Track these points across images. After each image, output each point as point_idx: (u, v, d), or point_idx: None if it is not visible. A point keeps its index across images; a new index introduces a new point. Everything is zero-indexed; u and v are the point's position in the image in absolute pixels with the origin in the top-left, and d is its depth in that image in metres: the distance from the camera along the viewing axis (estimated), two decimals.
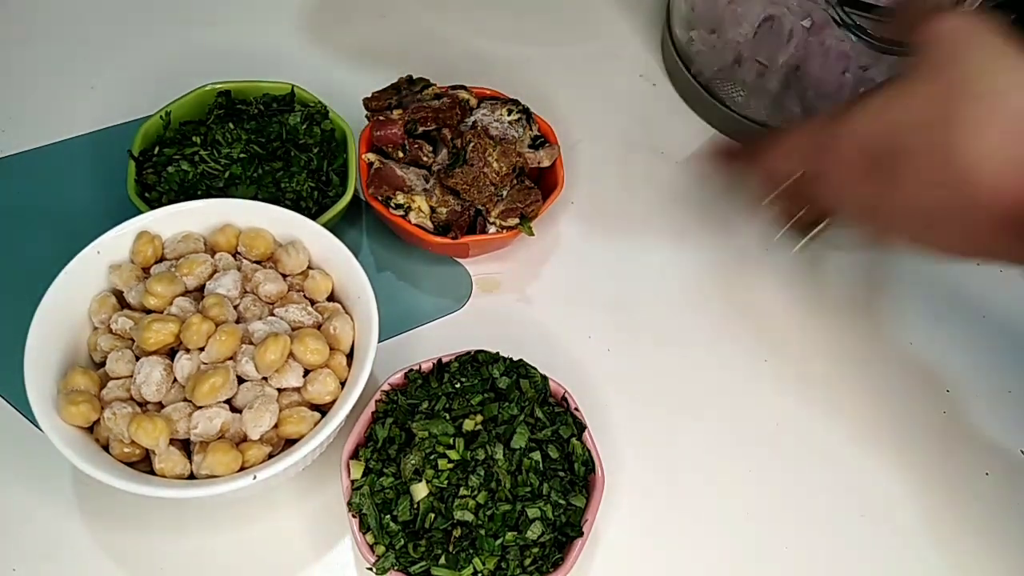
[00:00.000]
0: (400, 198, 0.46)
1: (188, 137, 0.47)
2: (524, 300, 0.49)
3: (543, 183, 0.50)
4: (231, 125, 0.48)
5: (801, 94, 0.53)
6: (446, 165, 0.47)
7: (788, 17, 0.49)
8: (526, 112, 0.49)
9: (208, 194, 0.46)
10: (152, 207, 0.44)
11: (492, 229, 0.47)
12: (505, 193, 0.47)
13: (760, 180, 0.44)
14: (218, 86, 0.49)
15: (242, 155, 0.47)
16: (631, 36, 0.62)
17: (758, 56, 0.52)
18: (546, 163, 0.48)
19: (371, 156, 0.48)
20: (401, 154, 0.48)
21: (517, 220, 0.47)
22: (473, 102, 0.50)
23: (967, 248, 0.35)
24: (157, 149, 0.47)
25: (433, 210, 0.46)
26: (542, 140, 0.49)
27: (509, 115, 0.49)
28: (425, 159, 0.47)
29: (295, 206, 0.46)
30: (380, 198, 0.47)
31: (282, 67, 0.53)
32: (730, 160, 0.47)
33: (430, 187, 0.47)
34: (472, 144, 0.46)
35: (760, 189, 0.45)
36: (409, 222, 0.46)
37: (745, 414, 0.46)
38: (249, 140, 0.47)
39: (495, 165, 0.46)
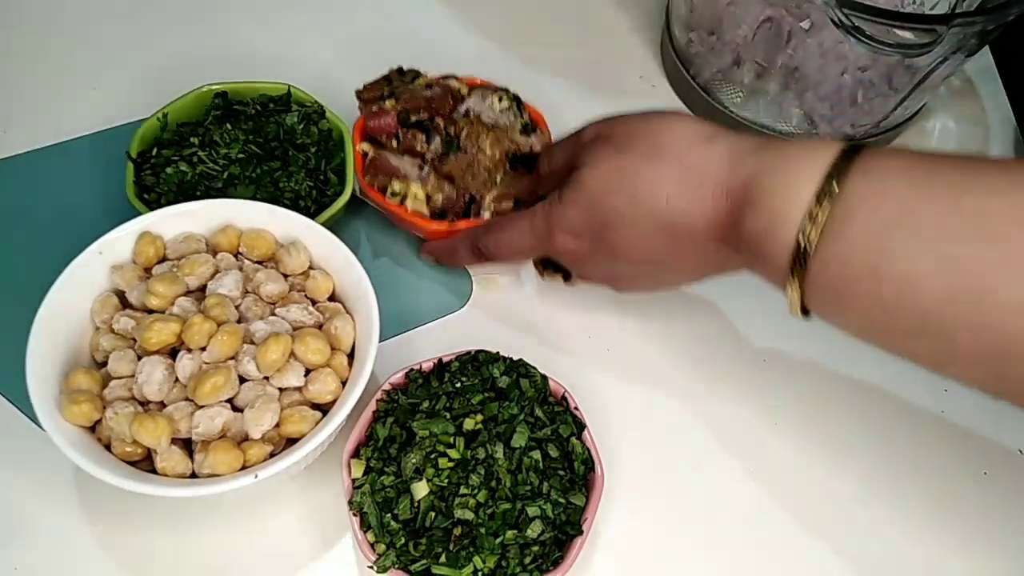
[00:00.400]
0: (396, 186, 0.47)
1: (186, 138, 0.48)
2: (524, 300, 0.49)
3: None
4: (229, 126, 0.48)
5: (800, 95, 0.53)
6: (440, 153, 0.47)
7: (787, 19, 0.49)
8: (516, 100, 0.50)
9: (207, 195, 0.46)
10: (151, 208, 0.44)
11: (486, 214, 0.47)
12: (499, 179, 0.47)
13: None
14: (215, 87, 0.49)
15: (240, 155, 0.47)
16: (630, 38, 0.63)
17: (757, 58, 0.52)
18: (537, 148, 0.49)
19: (365, 146, 0.48)
20: (395, 143, 0.48)
21: (511, 204, 0.47)
22: (464, 91, 0.50)
23: (701, 271, 0.42)
24: (155, 151, 0.47)
25: (428, 197, 0.47)
26: (533, 126, 0.50)
27: (500, 102, 0.49)
28: (419, 148, 0.48)
29: (294, 205, 0.46)
30: (376, 187, 0.47)
31: (281, 67, 0.53)
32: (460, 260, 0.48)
33: (424, 175, 0.47)
34: (465, 132, 0.47)
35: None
36: (405, 209, 0.47)
37: (744, 414, 0.46)
38: (247, 140, 0.47)
39: (488, 151, 0.47)
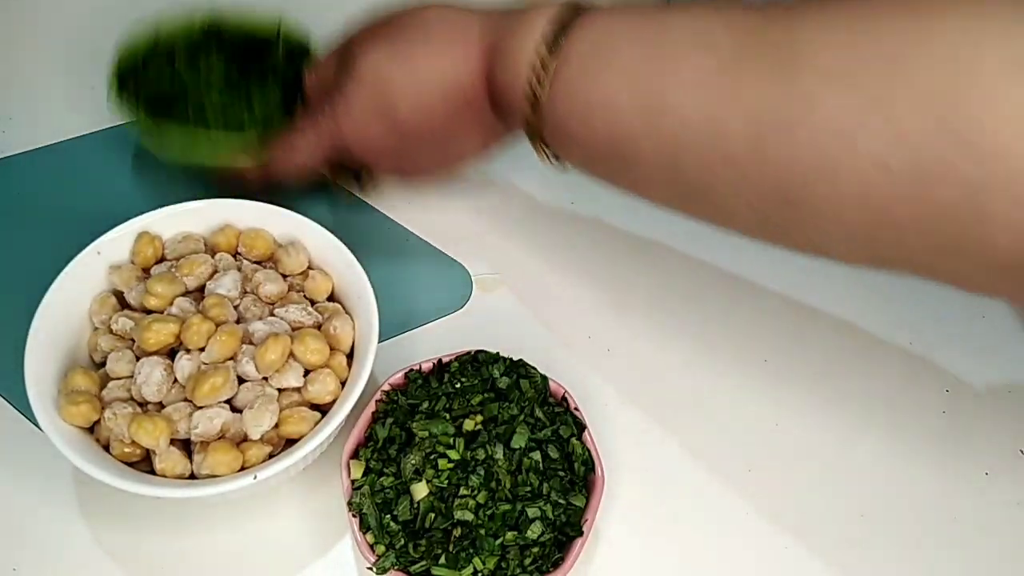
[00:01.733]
0: None
1: (171, 61, 0.49)
2: (524, 300, 0.49)
3: None
4: (215, 54, 0.50)
5: None
6: None
7: None
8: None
9: (185, 108, 0.47)
10: (130, 111, 0.46)
11: None
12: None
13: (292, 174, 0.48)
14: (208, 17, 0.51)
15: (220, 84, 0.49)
16: None
17: None
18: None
19: None
20: None
21: None
22: None
23: (482, 140, 0.46)
24: (142, 63, 0.49)
25: None
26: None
27: None
28: None
29: (266, 124, 0.47)
30: None
31: None
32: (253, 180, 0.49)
33: None
34: None
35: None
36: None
37: (745, 414, 0.46)
38: (229, 71, 0.50)
39: None
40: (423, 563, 0.36)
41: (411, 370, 0.41)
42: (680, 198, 0.38)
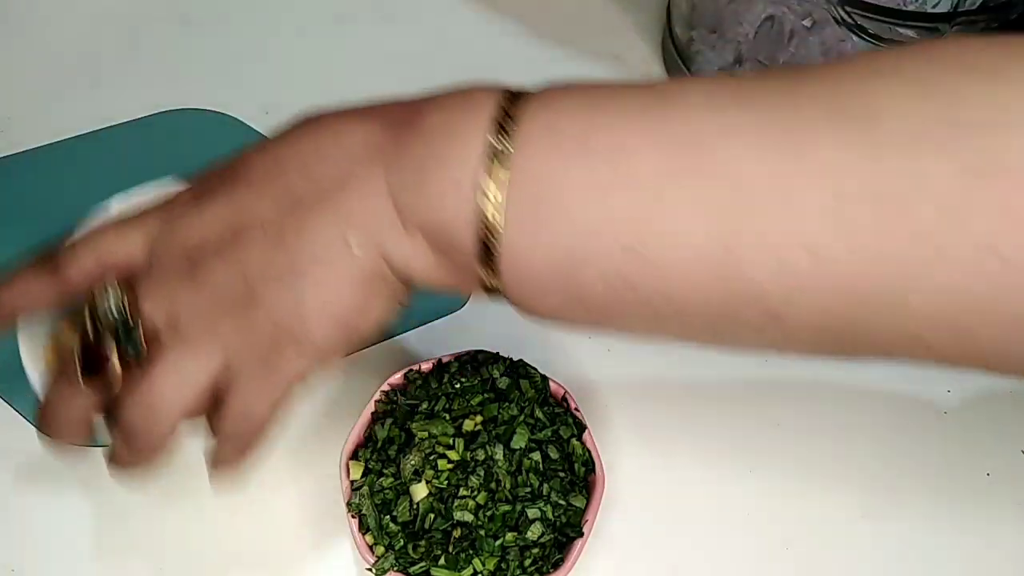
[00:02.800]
0: None
1: None
2: None
3: None
4: None
5: None
6: None
7: (788, 17, 0.49)
8: None
9: None
10: None
11: None
12: None
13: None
14: None
15: None
16: (631, 36, 0.62)
17: (758, 56, 0.52)
18: None
19: None
20: None
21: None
22: None
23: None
24: None
25: None
26: None
27: None
28: None
29: None
30: None
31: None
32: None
33: None
34: None
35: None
36: None
37: (745, 414, 0.46)
38: None
39: None
40: (422, 564, 0.36)
41: (410, 370, 0.41)
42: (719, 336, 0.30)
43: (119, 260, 0.32)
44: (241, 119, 0.54)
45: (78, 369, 0.31)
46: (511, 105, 0.29)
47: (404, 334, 0.47)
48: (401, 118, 0.30)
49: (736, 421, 0.46)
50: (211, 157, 0.48)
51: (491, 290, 0.30)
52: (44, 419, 0.33)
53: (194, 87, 0.50)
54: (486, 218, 0.28)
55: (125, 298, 0.31)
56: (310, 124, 0.32)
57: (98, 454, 0.39)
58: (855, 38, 0.45)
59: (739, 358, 0.48)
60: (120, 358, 0.31)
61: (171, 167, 0.49)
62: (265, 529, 0.41)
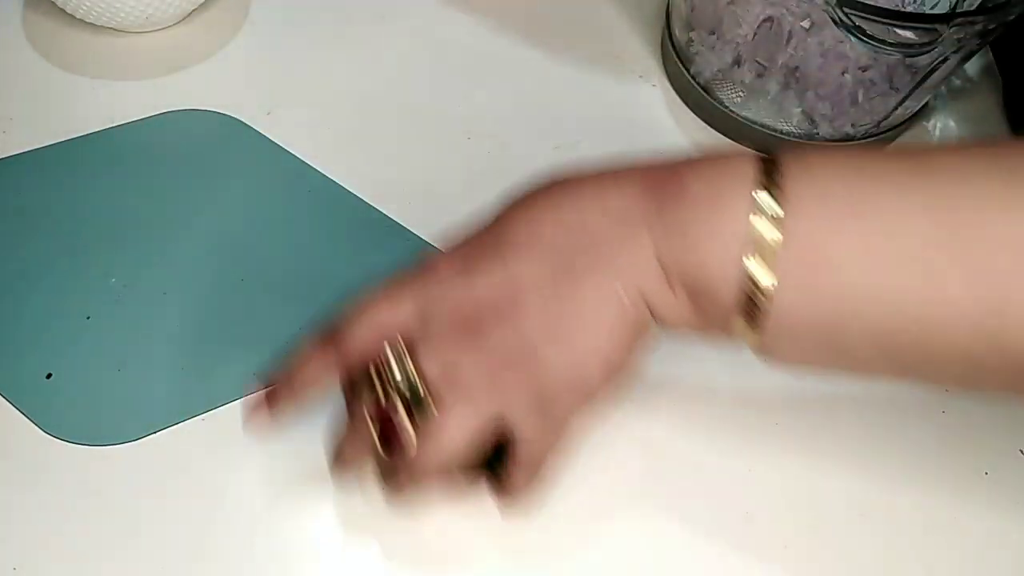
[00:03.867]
0: None
1: None
2: None
3: None
4: None
5: (800, 95, 0.53)
6: None
7: (787, 18, 0.49)
8: None
9: None
10: None
11: None
12: None
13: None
14: None
15: None
16: (630, 36, 0.63)
17: (757, 57, 0.52)
18: None
19: None
20: None
21: None
22: None
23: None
24: None
25: None
26: None
27: None
28: None
29: None
30: None
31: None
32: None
33: None
34: None
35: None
36: None
37: (745, 414, 0.46)
38: None
39: None
40: None
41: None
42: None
43: (394, 329, 0.35)
44: (243, 120, 0.54)
45: (375, 435, 0.35)
46: (773, 169, 0.31)
47: None
48: (661, 185, 0.33)
49: (736, 421, 0.46)
50: (213, 158, 0.49)
51: (736, 337, 0.33)
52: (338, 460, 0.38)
53: (196, 88, 0.50)
54: (755, 277, 0.30)
55: (410, 364, 0.34)
56: (564, 188, 0.35)
57: (102, 460, 0.39)
58: (854, 39, 0.45)
59: (738, 357, 0.48)
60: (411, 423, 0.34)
61: (173, 168, 0.50)
62: (266, 529, 0.41)
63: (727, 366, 0.48)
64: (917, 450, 0.45)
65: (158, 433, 0.42)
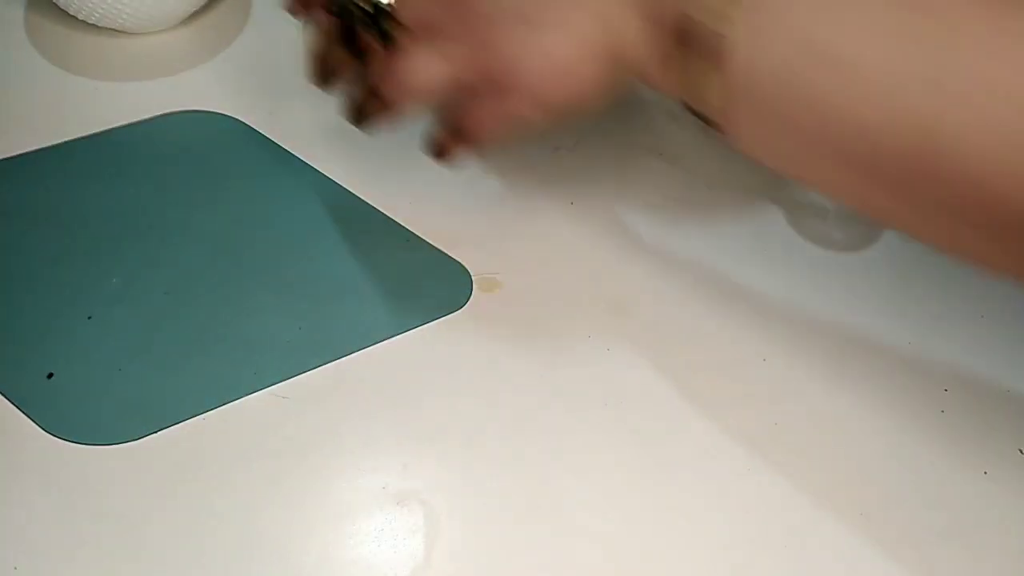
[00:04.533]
0: None
1: None
2: (524, 300, 0.49)
3: None
4: None
5: None
6: None
7: None
8: None
9: None
10: None
11: None
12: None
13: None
14: None
15: None
16: None
17: None
18: None
19: None
20: None
21: None
22: None
23: (591, 34, 0.36)
24: None
25: None
26: None
27: None
28: None
29: None
30: None
31: None
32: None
33: None
34: None
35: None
36: None
37: (744, 413, 0.46)
38: None
39: None
40: None
41: None
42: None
43: None
44: (245, 121, 0.54)
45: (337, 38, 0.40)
46: None
47: (403, 334, 0.47)
48: None
49: (735, 420, 0.46)
50: (214, 160, 0.49)
51: (701, 117, 0.34)
52: (314, 67, 0.44)
53: (198, 89, 0.50)
54: (718, 10, 0.31)
55: None
56: None
57: (103, 460, 0.39)
58: None
59: (738, 357, 0.48)
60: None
61: (175, 169, 0.50)
62: (266, 529, 0.41)
63: (726, 364, 0.48)
64: (917, 449, 0.45)
65: (159, 433, 0.43)
